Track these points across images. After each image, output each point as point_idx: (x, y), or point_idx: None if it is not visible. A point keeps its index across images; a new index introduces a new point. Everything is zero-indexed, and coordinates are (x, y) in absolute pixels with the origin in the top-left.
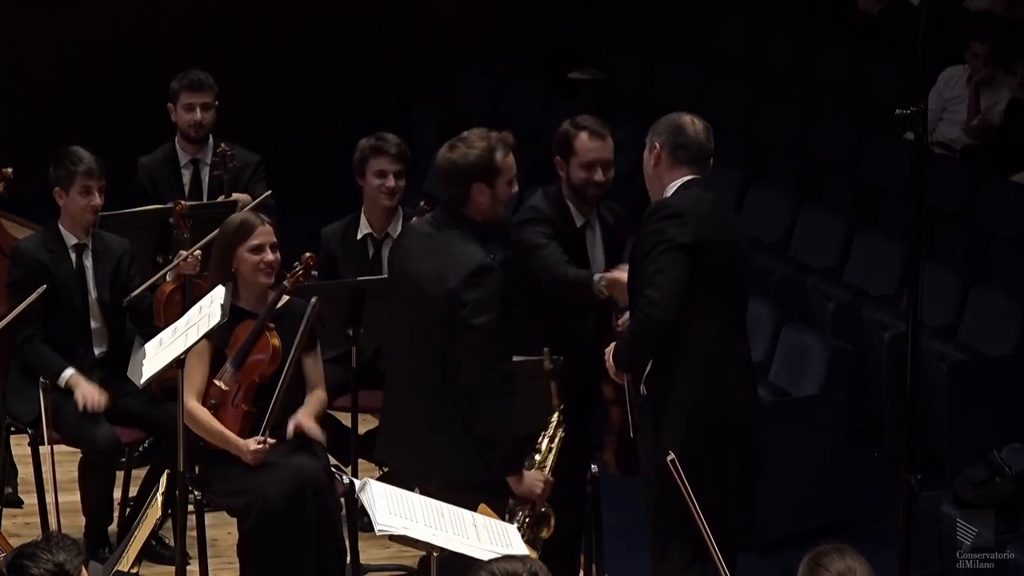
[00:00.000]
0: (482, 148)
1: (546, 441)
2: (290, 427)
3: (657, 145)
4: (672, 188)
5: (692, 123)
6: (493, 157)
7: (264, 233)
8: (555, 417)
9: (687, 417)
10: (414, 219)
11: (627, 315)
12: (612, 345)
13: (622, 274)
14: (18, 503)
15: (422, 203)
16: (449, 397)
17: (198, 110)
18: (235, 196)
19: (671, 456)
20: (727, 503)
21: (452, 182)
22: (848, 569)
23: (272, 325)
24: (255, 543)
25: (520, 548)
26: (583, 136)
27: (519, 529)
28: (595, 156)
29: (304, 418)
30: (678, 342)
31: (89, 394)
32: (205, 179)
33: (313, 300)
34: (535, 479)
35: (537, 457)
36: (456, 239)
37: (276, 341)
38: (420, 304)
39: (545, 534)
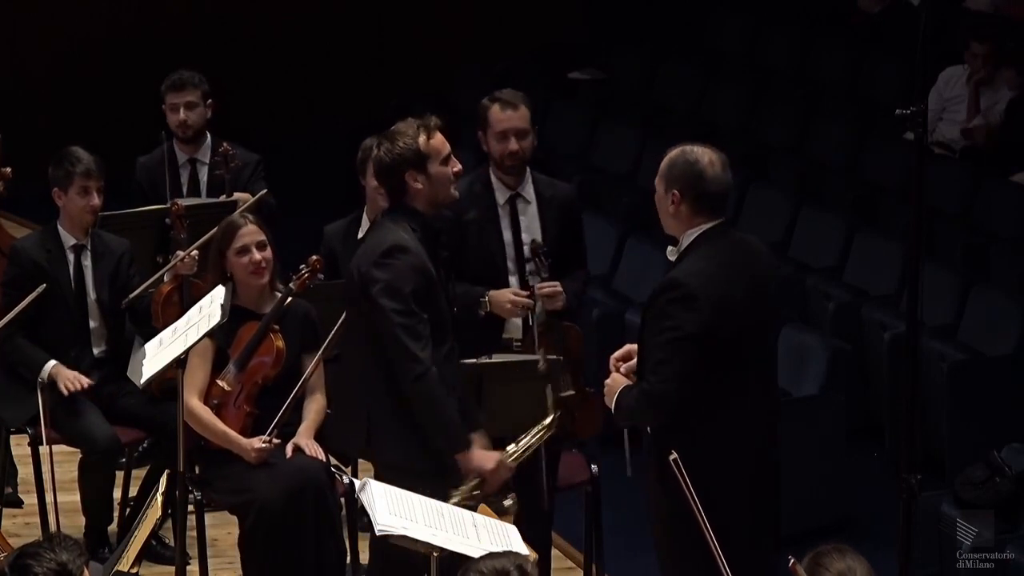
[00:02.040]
0: (404, 139)
1: (527, 438)
2: (288, 449)
3: (677, 193)
4: (691, 236)
5: (711, 164)
6: (416, 144)
7: (247, 234)
8: (548, 420)
9: (709, 478)
10: None
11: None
12: (613, 378)
13: (504, 293)
14: (18, 503)
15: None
16: (377, 379)
17: (181, 110)
18: (236, 195)
19: (673, 456)
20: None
21: (387, 178)
22: (848, 569)
23: (276, 327)
24: (255, 542)
25: (521, 548)
26: (495, 108)
27: (462, 499)
28: (506, 126)
29: (304, 439)
30: (698, 411)
31: (70, 379)
32: (203, 179)
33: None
34: (488, 457)
35: (510, 447)
36: (385, 225)
37: (280, 343)
38: (348, 292)
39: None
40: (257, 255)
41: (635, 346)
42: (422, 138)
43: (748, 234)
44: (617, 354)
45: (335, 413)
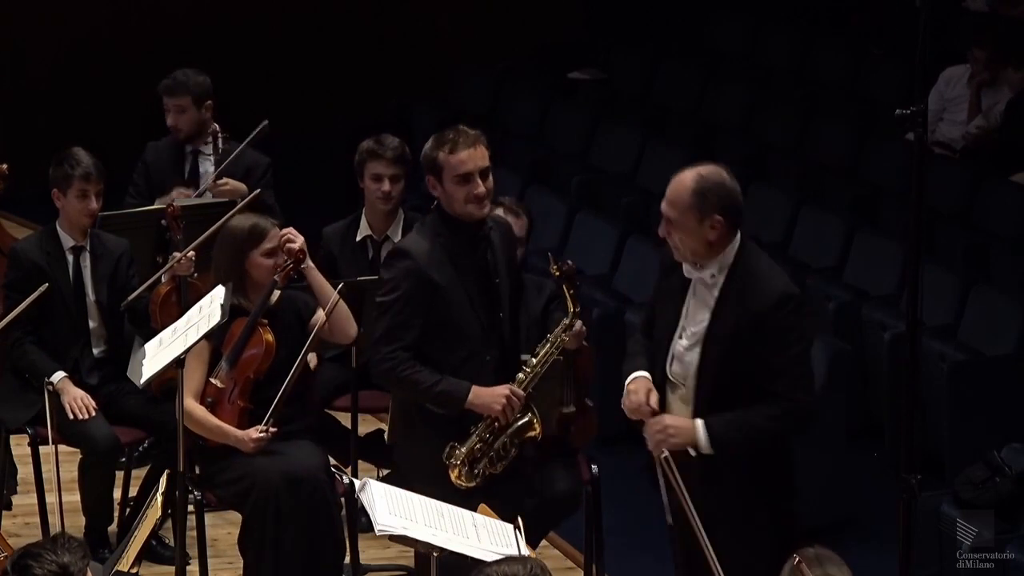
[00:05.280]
0: (432, 143)
1: (547, 347)
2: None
3: (719, 218)
4: (733, 249)
5: (731, 176)
6: (436, 154)
7: (275, 237)
8: (566, 320)
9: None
10: None
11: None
12: (673, 419)
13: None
14: (8, 506)
15: (435, 203)
16: None
17: (171, 113)
18: (228, 182)
19: (665, 454)
20: None
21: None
22: None
23: (265, 321)
24: (256, 526)
25: (520, 548)
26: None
27: (478, 440)
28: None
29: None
30: None
31: (75, 402)
32: (203, 172)
33: (340, 285)
34: (492, 396)
35: (520, 375)
36: (414, 228)
37: (269, 336)
38: None
39: (532, 433)
40: (281, 259)
41: (645, 377)
42: (443, 151)
43: None
44: (642, 397)
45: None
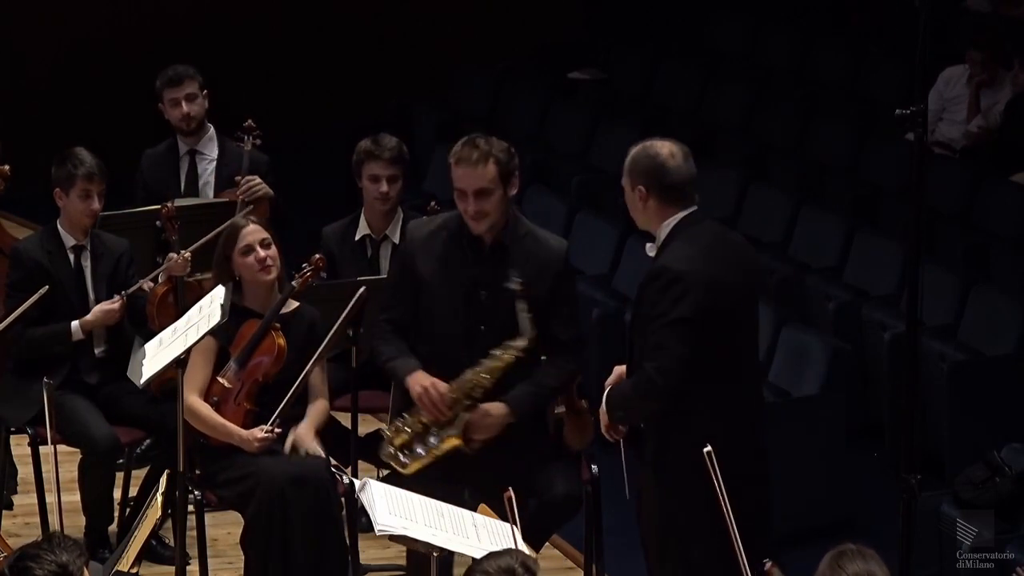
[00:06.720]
0: (453, 148)
1: (489, 361)
2: (288, 441)
3: (643, 188)
4: (668, 227)
5: (672, 155)
6: (450, 159)
7: (250, 233)
8: (521, 341)
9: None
10: None
11: None
12: (607, 398)
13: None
14: (8, 506)
15: (432, 203)
16: None
17: (183, 103)
18: (255, 179)
19: (708, 448)
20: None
21: None
22: (866, 572)
23: (278, 325)
24: (261, 525)
25: (520, 547)
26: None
27: (391, 427)
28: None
29: (305, 436)
30: (689, 407)
31: (104, 313)
32: (202, 172)
33: (362, 290)
34: (416, 379)
35: (465, 376)
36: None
37: (282, 341)
38: None
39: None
40: (262, 252)
41: (624, 368)
42: (452, 158)
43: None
44: (609, 380)
45: None
